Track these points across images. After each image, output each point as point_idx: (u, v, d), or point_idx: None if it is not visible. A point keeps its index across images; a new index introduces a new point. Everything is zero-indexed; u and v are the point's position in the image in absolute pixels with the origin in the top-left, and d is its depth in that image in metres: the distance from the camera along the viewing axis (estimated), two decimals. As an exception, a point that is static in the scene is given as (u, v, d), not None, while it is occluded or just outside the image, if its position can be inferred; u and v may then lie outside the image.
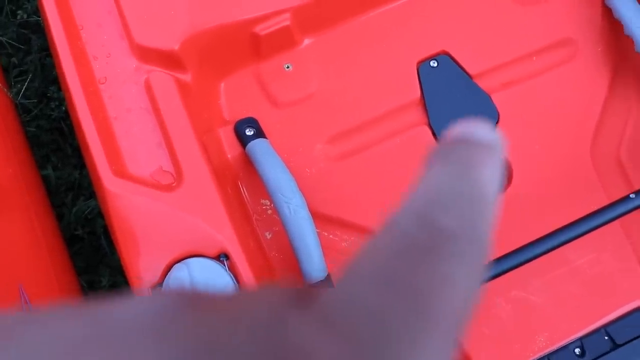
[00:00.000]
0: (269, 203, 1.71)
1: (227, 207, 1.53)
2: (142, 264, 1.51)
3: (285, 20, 1.73)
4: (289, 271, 1.68)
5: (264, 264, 1.66)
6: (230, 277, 1.48)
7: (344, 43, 1.84)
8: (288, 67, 1.82)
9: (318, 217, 1.72)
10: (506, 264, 1.55)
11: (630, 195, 1.58)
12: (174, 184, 1.56)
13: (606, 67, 1.87)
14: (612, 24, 1.85)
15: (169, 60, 1.64)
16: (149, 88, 1.62)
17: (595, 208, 1.60)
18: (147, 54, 1.64)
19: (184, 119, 1.58)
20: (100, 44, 1.68)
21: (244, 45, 1.75)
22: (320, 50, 1.83)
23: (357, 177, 1.76)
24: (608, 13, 1.85)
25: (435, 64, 1.83)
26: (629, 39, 1.78)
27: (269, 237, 1.72)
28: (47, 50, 2.64)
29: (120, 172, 1.57)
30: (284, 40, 1.78)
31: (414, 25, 1.86)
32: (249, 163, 1.68)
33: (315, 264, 1.60)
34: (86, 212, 2.40)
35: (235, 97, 1.79)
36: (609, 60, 1.87)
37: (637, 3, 1.79)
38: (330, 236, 1.74)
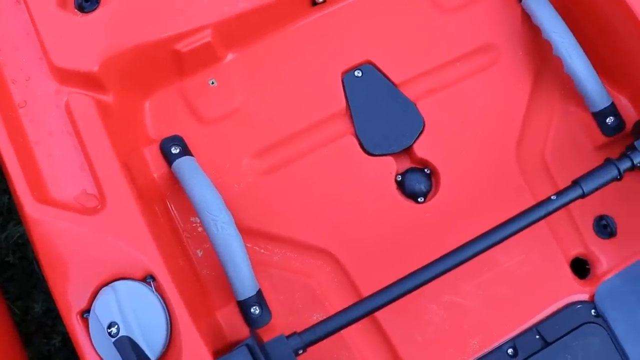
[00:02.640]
0: (198, 221, 1.70)
1: (152, 228, 1.52)
2: (69, 290, 1.49)
3: (206, 37, 1.72)
4: (220, 289, 1.67)
5: (195, 283, 1.65)
6: (157, 298, 1.46)
7: (268, 56, 1.84)
8: (212, 83, 1.81)
9: (248, 232, 1.72)
10: (437, 269, 1.56)
11: (552, 197, 1.61)
12: (98, 207, 1.54)
13: (527, 70, 1.90)
14: (531, 29, 1.89)
15: (89, 81, 1.62)
16: (69, 110, 1.60)
17: (523, 210, 1.63)
18: (66, 76, 1.62)
19: (105, 141, 1.56)
20: (18, 67, 1.65)
21: (166, 63, 1.73)
22: (244, 65, 1.83)
23: (285, 190, 1.76)
24: (527, 19, 1.89)
25: (360, 74, 1.84)
26: (547, 43, 1.82)
27: (200, 254, 1.71)
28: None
29: (43, 197, 1.55)
30: (206, 56, 1.77)
31: (337, 36, 1.87)
32: (176, 181, 1.67)
33: (245, 280, 1.59)
34: (16, 237, 2.35)
35: (160, 115, 1.78)
36: (529, 63, 1.90)
37: (553, 9, 1.83)
38: (262, 250, 1.74)
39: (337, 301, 1.71)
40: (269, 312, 1.63)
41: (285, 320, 1.69)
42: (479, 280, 1.76)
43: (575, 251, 1.82)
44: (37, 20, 1.64)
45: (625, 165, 1.66)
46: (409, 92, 1.85)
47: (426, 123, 1.83)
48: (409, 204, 1.78)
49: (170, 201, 1.72)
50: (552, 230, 1.80)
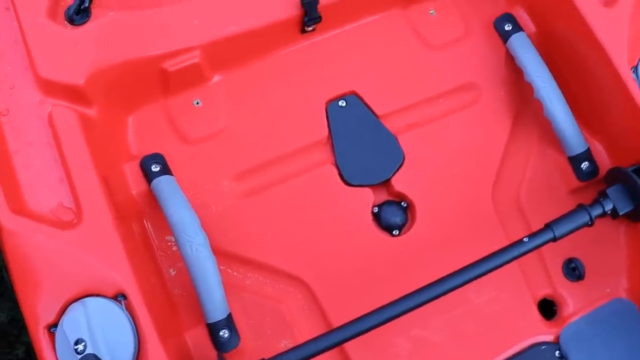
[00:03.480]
0: (173, 240, 1.71)
1: (127, 246, 1.51)
2: (38, 303, 1.48)
3: (194, 57, 1.73)
4: (190, 309, 1.67)
5: (165, 302, 1.65)
6: (127, 317, 1.46)
7: (254, 80, 1.85)
8: (197, 103, 1.82)
9: (223, 255, 1.72)
10: (407, 304, 1.57)
11: (524, 239, 1.64)
12: (74, 221, 1.53)
13: (508, 111, 1.93)
14: (514, 71, 1.92)
15: (73, 94, 1.62)
16: (51, 122, 1.59)
17: (496, 249, 1.65)
18: (51, 88, 1.62)
19: (85, 155, 1.56)
20: (3, 75, 1.64)
21: (152, 81, 1.74)
22: (230, 87, 1.84)
23: (262, 215, 1.77)
24: (511, 60, 1.92)
25: (344, 104, 1.86)
26: (529, 86, 1.85)
27: (172, 273, 1.71)
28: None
29: (19, 208, 1.54)
30: (193, 77, 1.78)
31: (324, 65, 1.89)
32: (154, 199, 1.68)
33: (216, 303, 1.59)
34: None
35: (143, 131, 1.78)
36: (510, 104, 1.94)
37: (536, 53, 1.86)
38: (235, 273, 1.74)
39: (307, 329, 1.72)
40: (238, 336, 1.63)
41: (254, 344, 1.69)
42: (448, 315, 1.78)
43: (544, 292, 1.85)
44: (25, 29, 1.64)
45: (596, 211, 1.70)
46: (391, 125, 1.87)
47: (406, 157, 1.85)
48: (383, 236, 1.80)
49: (147, 219, 1.72)
50: (522, 271, 1.83)
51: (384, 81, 1.90)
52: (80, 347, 1.42)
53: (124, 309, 1.47)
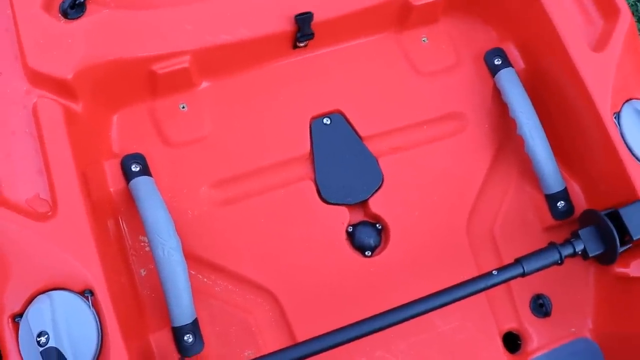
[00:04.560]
0: (147, 240, 1.71)
1: (99, 243, 1.52)
2: (5, 291, 1.48)
3: (184, 62, 1.74)
4: (157, 311, 1.67)
5: (133, 302, 1.65)
6: (93, 314, 1.47)
7: (242, 90, 1.87)
8: (183, 107, 1.83)
9: (194, 260, 1.73)
10: (373, 325, 1.58)
11: (493, 272, 1.65)
12: (49, 213, 1.54)
13: (490, 143, 1.96)
14: (500, 105, 1.95)
15: (61, 88, 1.63)
16: (36, 113, 1.60)
17: (465, 279, 1.66)
18: (39, 79, 1.62)
19: (66, 149, 1.56)
20: None
21: (140, 82, 1.75)
22: (217, 94, 1.85)
23: (237, 225, 1.78)
24: (497, 94, 1.94)
25: (328, 122, 1.88)
26: (513, 121, 1.88)
27: (143, 274, 1.72)
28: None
29: (-5, 195, 1.54)
30: (181, 81, 1.79)
31: (312, 81, 1.91)
32: (132, 198, 1.68)
33: (183, 308, 1.60)
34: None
35: (127, 130, 1.79)
36: (493, 138, 1.96)
37: (522, 89, 1.89)
38: (205, 280, 1.75)
39: (271, 341, 1.73)
40: (202, 342, 1.63)
41: (217, 352, 1.70)
42: (413, 339, 1.79)
43: (509, 325, 1.86)
44: (19, 18, 1.64)
45: (567, 251, 1.71)
46: (373, 147, 1.89)
47: (385, 180, 1.87)
48: (356, 256, 1.81)
49: (123, 217, 1.72)
50: (490, 302, 1.85)
51: (370, 103, 1.92)
52: (42, 339, 1.42)
53: (90, 305, 1.47)
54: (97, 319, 1.47)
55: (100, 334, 1.46)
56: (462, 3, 1.99)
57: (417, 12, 1.92)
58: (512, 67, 1.94)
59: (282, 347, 1.54)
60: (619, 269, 1.81)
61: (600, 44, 1.83)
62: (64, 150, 1.57)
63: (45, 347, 1.41)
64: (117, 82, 1.72)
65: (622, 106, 1.80)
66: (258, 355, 1.57)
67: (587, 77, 1.78)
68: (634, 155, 1.75)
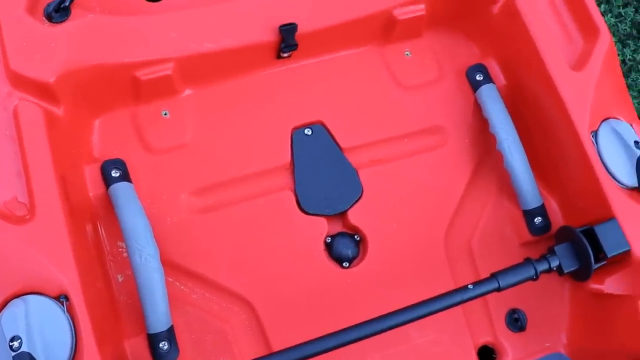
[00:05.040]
0: (125, 246, 1.71)
1: (76, 248, 1.51)
2: None
3: (167, 69, 1.75)
4: (133, 318, 1.67)
5: (109, 308, 1.64)
6: (67, 319, 1.46)
7: (224, 98, 1.87)
8: (165, 114, 1.83)
9: (172, 267, 1.73)
10: (348, 336, 1.58)
11: (469, 286, 1.66)
12: (26, 217, 1.53)
13: (470, 158, 1.97)
14: (481, 121, 1.96)
15: (42, 91, 1.62)
16: (16, 115, 1.59)
17: (441, 292, 1.67)
18: (21, 82, 1.62)
19: (46, 152, 1.56)
20: None
21: (123, 87, 1.75)
22: (199, 102, 1.85)
23: (216, 232, 1.78)
24: (478, 109, 1.96)
25: (310, 132, 1.89)
26: (493, 136, 1.89)
27: (120, 280, 1.71)
28: None
29: (-28, 197, 1.54)
30: (164, 88, 1.79)
31: (295, 92, 1.92)
32: (111, 204, 1.68)
33: (159, 315, 1.60)
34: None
35: (108, 136, 1.79)
36: (473, 152, 1.98)
37: (503, 106, 1.91)
38: (182, 287, 1.75)
39: (247, 350, 1.73)
40: (177, 349, 1.63)
41: (192, 360, 1.70)
42: (388, 351, 1.79)
43: (484, 339, 1.88)
44: (2, 20, 1.64)
45: (542, 267, 1.73)
46: (353, 158, 1.90)
47: (364, 191, 1.88)
48: (333, 267, 1.82)
49: (102, 222, 1.72)
50: (465, 315, 1.86)
51: (352, 115, 1.93)
52: (15, 344, 1.41)
53: (65, 310, 1.46)
54: (72, 325, 1.47)
55: (74, 339, 1.46)
56: (446, 18, 2.01)
57: (401, 26, 1.94)
58: (494, 83, 1.96)
59: (257, 357, 1.54)
60: (593, 286, 1.82)
61: (579, 63, 1.86)
62: (44, 153, 1.57)
63: (18, 352, 1.40)
64: (100, 87, 1.72)
65: (599, 125, 1.82)
66: None
67: (566, 96, 1.80)
68: (610, 173, 1.78)
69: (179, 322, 1.70)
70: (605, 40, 1.88)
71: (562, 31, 1.92)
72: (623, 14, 3.03)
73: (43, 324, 1.44)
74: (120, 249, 1.73)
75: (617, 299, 1.81)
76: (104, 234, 1.73)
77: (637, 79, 2.95)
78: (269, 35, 1.80)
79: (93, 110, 1.77)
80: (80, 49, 1.67)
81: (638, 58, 2.98)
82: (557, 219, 1.93)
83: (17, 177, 1.57)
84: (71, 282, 1.48)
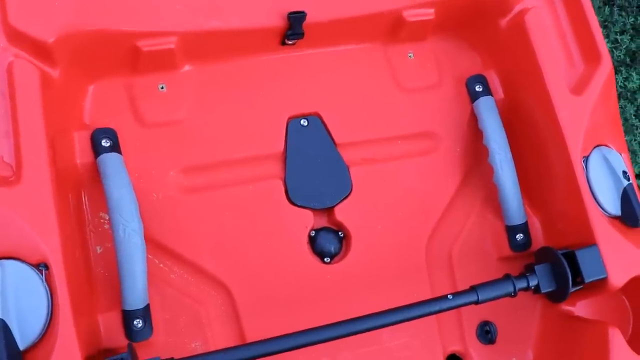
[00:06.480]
0: (107, 217, 1.68)
1: (60, 218, 1.47)
2: None
3: (170, 43, 1.70)
4: (109, 291, 1.64)
5: (85, 279, 1.61)
6: (45, 288, 1.42)
7: (224, 79, 1.84)
8: (162, 88, 1.79)
9: (153, 244, 1.70)
10: (323, 335, 1.58)
11: (448, 296, 1.67)
12: (11, 178, 1.48)
13: (460, 167, 1.98)
14: (475, 131, 1.97)
15: (40, 50, 1.57)
16: (10, 72, 1.54)
17: (418, 298, 1.68)
18: (18, 38, 1.56)
19: (38, 114, 1.51)
20: None
21: (122, 56, 1.70)
22: (198, 79, 1.82)
23: (201, 214, 1.75)
24: (474, 120, 1.97)
25: (306, 123, 1.87)
26: (485, 148, 1.90)
27: (99, 251, 1.68)
28: None
29: (-44, 154, 1.48)
30: (164, 61, 1.75)
31: (294, 80, 1.89)
32: (97, 173, 1.64)
33: (137, 292, 1.57)
34: None
35: (101, 103, 1.74)
36: (464, 162, 1.98)
37: (499, 119, 1.91)
38: (161, 265, 1.72)
39: (220, 335, 1.71)
40: (151, 328, 1.61)
41: (165, 340, 1.68)
42: (359, 352, 1.80)
43: (454, 348, 1.89)
44: None
45: (521, 284, 1.75)
46: (346, 155, 1.89)
47: (354, 189, 1.87)
48: (314, 261, 1.81)
49: (86, 191, 1.68)
50: (438, 323, 1.87)
51: (349, 110, 1.92)
52: (-11, 309, 1.38)
53: (44, 279, 1.43)
54: (49, 294, 1.43)
55: (50, 310, 1.42)
56: (453, 25, 2.00)
57: (408, 28, 1.93)
58: (492, 95, 1.96)
59: (230, 343, 1.53)
60: (565, 307, 1.86)
61: (579, 87, 1.87)
62: (36, 114, 1.51)
63: (-9, 317, 1.37)
64: (99, 53, 1.67)
65: (591, 151, 1.84)
66: (205, 350, 1.55)
67: (562, 118, 1.81)
68: (596, 200, 1.80)
69: (154, 300, 1.68)
70: (607, 67, 1.90)
71: (565, 53, 1.93)
72: (619, 41, 3.06)
73: (19, 290, 1.41)
74: (102, 220, 1.69)
75: (586, 322, 1.84)
76: (87, 203, 1.69)
77: (626, 106, 2.99)
78: (276, 21, 1.77)
79: (89, 75, 1.72)
80: (84, 12, 1.62)
81: (629, 86, 3.02)
82: (538, 238, 1.95)
83: (5, 136, 1.52)
84: (53, 252, 1.44)
